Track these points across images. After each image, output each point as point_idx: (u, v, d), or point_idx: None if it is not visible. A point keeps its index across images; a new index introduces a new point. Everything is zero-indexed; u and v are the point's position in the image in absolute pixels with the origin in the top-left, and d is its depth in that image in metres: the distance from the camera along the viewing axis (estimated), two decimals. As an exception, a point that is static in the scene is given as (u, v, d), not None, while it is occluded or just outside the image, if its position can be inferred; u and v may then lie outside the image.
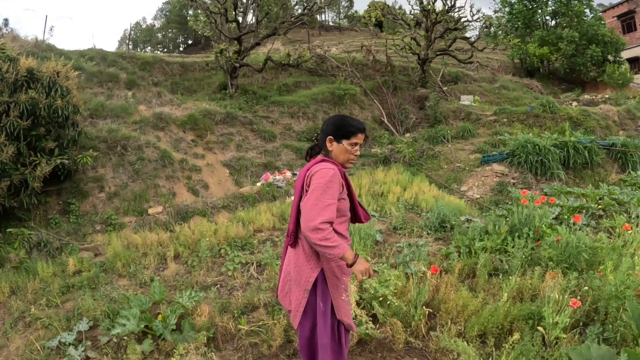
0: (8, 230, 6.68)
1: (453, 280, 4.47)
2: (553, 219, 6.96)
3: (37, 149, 7.87)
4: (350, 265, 2.68)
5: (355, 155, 2.91)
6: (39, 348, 4.14)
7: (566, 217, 7.39)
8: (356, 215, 3.01)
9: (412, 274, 4.75)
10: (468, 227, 6.90)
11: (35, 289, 5.56)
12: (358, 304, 4.06)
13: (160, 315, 4.03)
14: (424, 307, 3.81)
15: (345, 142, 2.85)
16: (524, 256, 4.98)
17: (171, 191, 9.59)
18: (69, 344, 4.14)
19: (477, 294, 4.40)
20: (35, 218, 8.20)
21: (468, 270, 5.06)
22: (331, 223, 2.62)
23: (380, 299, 4.08)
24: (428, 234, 6.81)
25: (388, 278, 4.38)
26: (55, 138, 8.13)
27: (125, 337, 4.01)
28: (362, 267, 2.69)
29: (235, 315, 4.25)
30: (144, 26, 70.25)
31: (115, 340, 4.08)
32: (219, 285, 5.25)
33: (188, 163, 10.48)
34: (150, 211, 8.89)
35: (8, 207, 7.57)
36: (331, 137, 2.87)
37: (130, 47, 50.49)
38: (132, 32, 67.03)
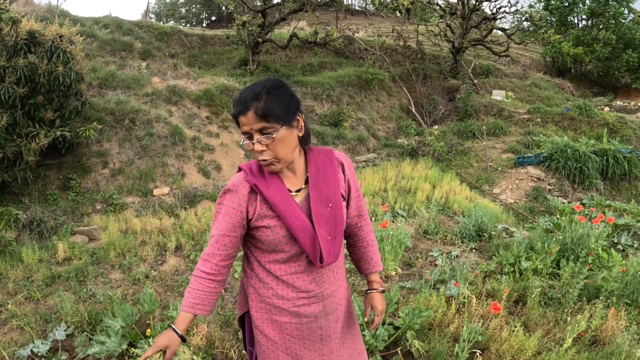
0: (-6, 208, 6.02)
1: (502, 311, 3.71)
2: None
3: (35, 119, 7.17)
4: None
5: (257, 152, 1.70)
6: (7, 357, 3.46)
7: (610, 234, 6.62)
8: (314, 253, 1.80)
9: (452, 296, 3.99)
10: (508, 239, 6.14)
11: (17, 277, 4.91)
12: (389, 337, 3.33)
13: (149, 330, 3.32)
14: (475, 351, 3.03)
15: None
16: (581, 286, 4.20)
17: (180, 171, 8.88)
18: (42, 355, 3.47)
19: (530, 331, 3.64)
20: (32, 193, 7.54)
21: (516, 296, 4.28)
22: (223, 263, 1.82)
23: (417, 328, 3.33)
24: (462, 242, 6.04)
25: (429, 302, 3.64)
26: (57, 108, 7.43)
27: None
28: (160, 341, 1.76)
29: (240, 336, 3.51)
30: (167, 0, 69.42)
31: (95, 355, 3.39)
32: (223, 290, 4.53)
33: (201, 141, 9.73)
34: (155, 192, 8.19)
35: (2, 181, 6.91)
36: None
37: (153, 20, 49.86)
38: (156, 5, 66.34)
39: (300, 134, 1.79)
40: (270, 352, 1.91)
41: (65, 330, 3.64)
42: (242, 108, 1.67)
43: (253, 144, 1.69)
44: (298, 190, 1.83)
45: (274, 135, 1.68)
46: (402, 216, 6.94)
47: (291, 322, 1.88)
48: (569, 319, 3.78)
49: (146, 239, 5.93)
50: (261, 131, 1.67)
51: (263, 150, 1.69)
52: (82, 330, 3.64)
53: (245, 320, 2.02)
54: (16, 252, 5.45)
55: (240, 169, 1.84)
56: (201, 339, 3.18)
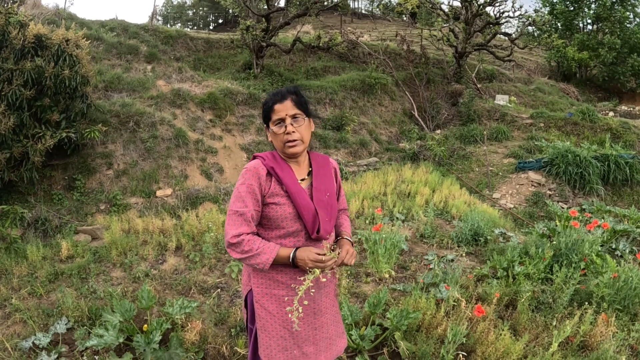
0: (0, 207, 6.17)
1: (491, 314, 3.80)
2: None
3: (41, 120, 7.33)
4: (294, 265, 2.07)
5: (288, 134, 2.14)
6: (9, 348, 3.59)
7: (608, 240, 6.67)
8: (313, 228, 2.16)
9: (443, 299, 4.08)
10: (503, 243, 6.22)
11: (22, 274, 5.05)
12: (377, 337, 3.43)
13: (145, 325, 3.44)
14: (460, 353, 3.12)
15: (271, 125, 2.20)
16: (571, 292, 4.26)
17: (183, 173, 9.02)
18: (43, 347, 3.60)
19: (519, 335, 3.73)
20: (37, 193, 7.70)
21: (507, 300, 4.36)
22: (249, 232, 2.09)
23: (404, 329, 3.43)
24: (459, 246, 6.13)
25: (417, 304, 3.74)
26: (63, 110, 7.59)
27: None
28: (305, 256, 2.03)
29: (232, 333, 3.63)
30: (175, 2, 69.72)
31: (94, 348, 3.52)
32: (219, 289, 4.64)
33: (204, 144, 9.88)
34: (158, 193, 8.33)
35: (8, 180, 7.07)
36: (265, 126, 2.28)
37: (160, 22, 50.12)
38: (163, 8, 66.63)
39: (312, 130, 2.28)
40: (269, 325, 2.18)
41: (66, 324, 3.78)
42: (281, 97, 2.16)
43: (285, 126, 2.13)
44: (302, 180, 2.24)
45: (303, 121, 2.17)
46: (400, 220, 7.03)
47: (288, 294, 2.16)
48: (556, 323, 3.84)
49: (148, 238, 6.06)
50: (293, 117, 2.15)
51: (293, 132, 2.14)
52: (82, 324, 3.77)
53: (248, 300, 2.27)
54: (21, 250, 5.60)
55: (255, 157, 2.23)
56: (195, 334, 3.29)
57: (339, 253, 2.09)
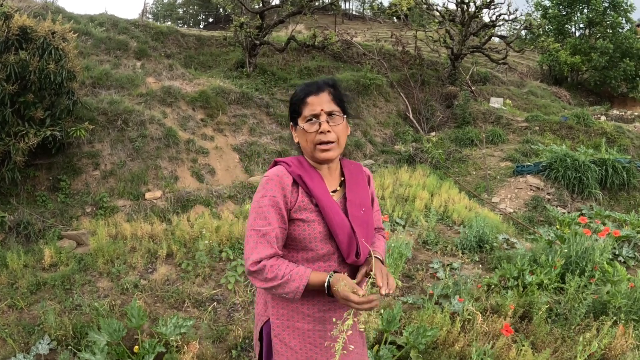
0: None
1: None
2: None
3: (25, 117, 6.95)
4: (329, 294, 1.66)
5: (322, 133, 1.75)
6: (-15, 369, 3.26)
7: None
8: (349, 250, 1.77)
9: (456, 312, 3.82)
10: (509, 250, 5.99)
11: (1, 284, 4.69)
12: (392, 357, 3.15)
13: (136, 347, 3.13)
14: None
15: (300, 122, 1.81)
16: (589, 302, 4.04)
17: (173, 174, 8.66)
18: (23, 369, 3.27)
19: (537, 349, 3.49)
20: (20, 194, 7.30)
21: (521, 311, 4.12)
22: (272, 256, 1.68)
23: (422, 346, 3.15)
24: (463, 253, 5.88)
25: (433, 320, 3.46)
26: (47, 107, 7.21)
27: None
28: (339, 288, 1.58)
29: (234, 355, 3.31)
30: (165, 0, 68.99)
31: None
32: (215, 302, 4.33)
33: (195, 144, 9.53)
34: (147, 195, 7.97)
35: (-12, 181, 6.70)
36: (291, 123, 1.89)
37: (150, 19, 49.56)
38: (153, 6, 65.97)
39: (348, 133, 1.87)
40: None
41: (48, 344, 3.44)
42: (316, 89, 1.79)
43: (320, 124, 1.75)
44: (334, 192, 1.86)
45: (341, 119, 1.80)
46: (401, 225, 6.76)
47: (315, 329, 1.80)
48: (578, 338, 3.63)
49: (136, 245, 5.71)
50: (330, 114, 1.77)
51: (329, 132, 1.75)
52: (66, 344, 3.44)
53: (264, 332, 1.89)
54: (1, 257, 5.23)
55: (276, 162, 1.86)
56: (192, 357, 2.98)
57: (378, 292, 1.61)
